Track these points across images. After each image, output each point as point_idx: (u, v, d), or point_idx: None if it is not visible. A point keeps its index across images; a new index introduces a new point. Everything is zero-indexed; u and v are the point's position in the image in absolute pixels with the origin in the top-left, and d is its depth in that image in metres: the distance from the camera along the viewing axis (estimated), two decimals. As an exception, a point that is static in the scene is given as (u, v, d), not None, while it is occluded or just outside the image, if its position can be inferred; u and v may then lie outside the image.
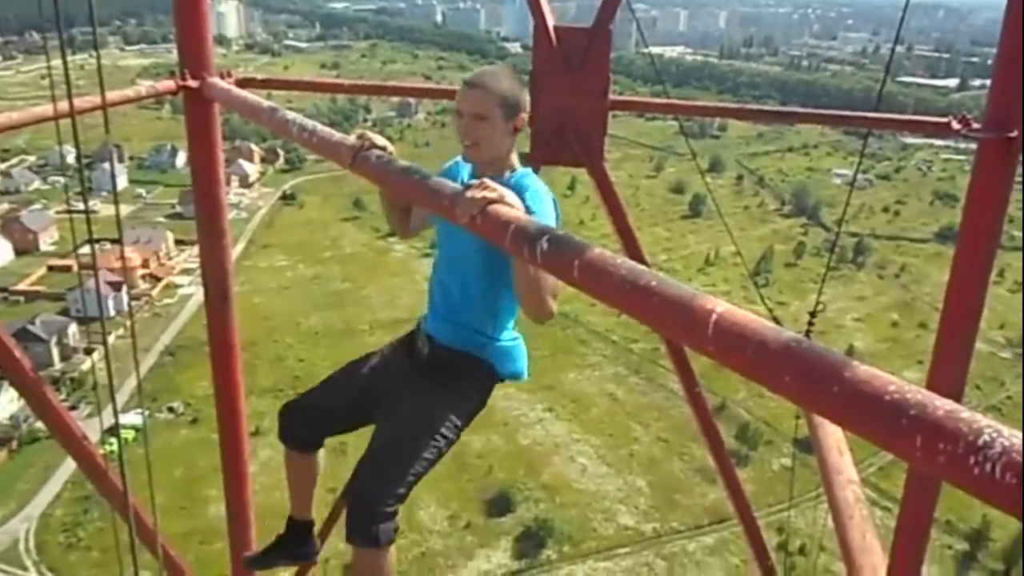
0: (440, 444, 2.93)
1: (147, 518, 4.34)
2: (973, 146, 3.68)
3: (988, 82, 3.78)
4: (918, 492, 3.89)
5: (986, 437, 0.92)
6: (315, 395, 3.40)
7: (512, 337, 3.08)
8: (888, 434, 1.00)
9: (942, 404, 0.98)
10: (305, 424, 3.43)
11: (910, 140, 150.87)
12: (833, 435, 5.73)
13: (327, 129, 2.68)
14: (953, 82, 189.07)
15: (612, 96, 4.19)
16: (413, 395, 3.02)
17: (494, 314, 2.98)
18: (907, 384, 1.04)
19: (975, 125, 3.69)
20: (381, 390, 3.13)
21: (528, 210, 2.46)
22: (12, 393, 55.56)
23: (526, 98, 2.82)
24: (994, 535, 51.43)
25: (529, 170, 2.85)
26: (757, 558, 5.38)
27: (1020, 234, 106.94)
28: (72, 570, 46.03)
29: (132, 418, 50.89)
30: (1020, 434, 0.93)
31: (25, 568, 46.29)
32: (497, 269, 2.78)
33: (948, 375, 3.75)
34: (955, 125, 3.78)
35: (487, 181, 2.00)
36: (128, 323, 65.57)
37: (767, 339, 1.17)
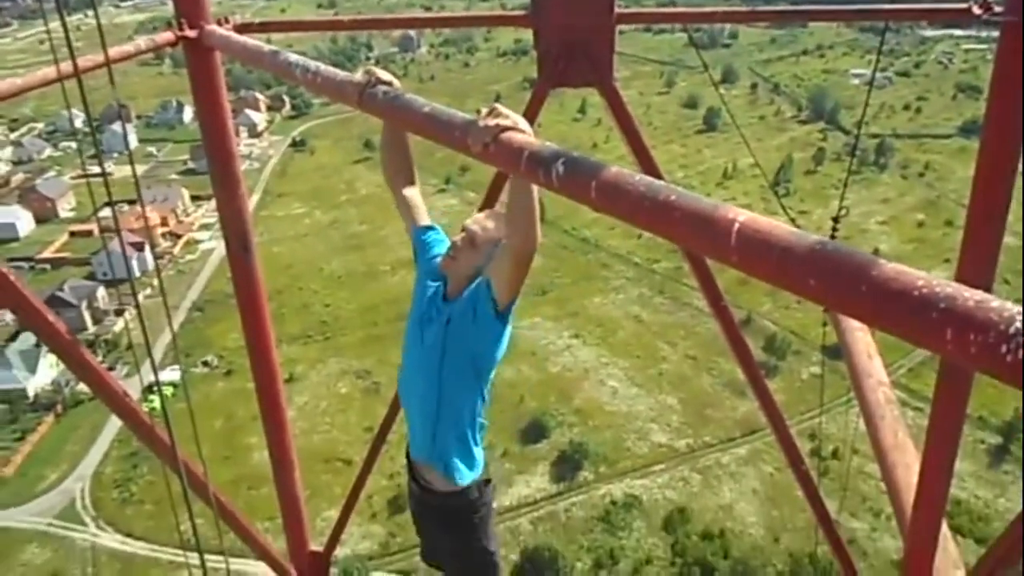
0: (489, 564, 3.40)
1: (194, 467, 4.47)
2: (995, 33, 3.55)
3: (1009, -37, 3.62)
4: (949, 388, 3.90)
5: (1018, 324, 0.91)
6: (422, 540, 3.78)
7: (477, 436, 3.17)
8: (919, 329, 1.00)
9: (971, 295, 0.97)
10: (430, 561, 3.79)
11: (929, 33, 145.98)
12: (862, 339, 5.73)
13: (331, 69, 2.64)
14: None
15: (617, 10, 4.08)
16: (446, 552, 3.45)
17: (455, 413, 3.06)
18: (935, 278, 1.03)
19: (997, 9, 3.55)
20: (430, 546, 3.59)
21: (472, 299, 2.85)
22: (51, 359, 57.02)
23: None
24: (1027, 426, 51.67)
25: None
26: (791, 465, 5.46)
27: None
28: (128, 523, 47.94)
29: (169, 375, 52.14)
30: (1053, 319, 0.92)
31: (84, 524, 48.26)
32: (454, 375, 2.97)
33: (976, 270, 3.71)
34: (975, 10, 3.64)
35: (499, 107, 1.97)
36: (155, 282, 66.45)
37: (791, 244, 1.16)
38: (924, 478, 4.15)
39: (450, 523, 3.27)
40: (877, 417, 5.00)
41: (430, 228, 3.30)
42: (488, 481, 3.25)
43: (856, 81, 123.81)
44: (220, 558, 5.52)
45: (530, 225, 2.48)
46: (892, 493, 4.65)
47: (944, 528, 4.35)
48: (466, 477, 3.11)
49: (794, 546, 43.43)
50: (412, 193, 3.33)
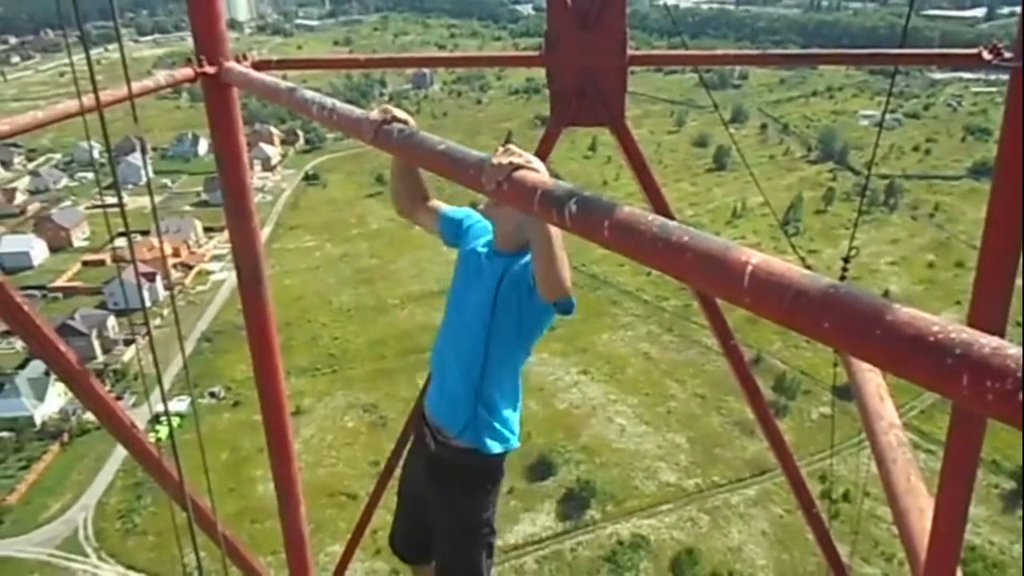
0: (484, 542, 3.23)
1: (201, 502, 4.45)
2: (1005, 77, 3.58)
3: (1018, 8, 3.66)
4: (963, 432, 3.86)
5: (1034, 371, 0.91)
6: (395, 523, 3.70)
7: (515, 406, 3.10)
8: (934, 375, 0.99)
9: (988, 341, 0.97)
10: (402, 548, 3.73)
11: (938, 76, 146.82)
12: (873, 380, 5.68)
13: (347, 106, 2.68)
14: (981, 11, 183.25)
15: (630, 52, 4.13)
16: (443, 517, 3.26)
17: (504, 383, 3.02)
18: (950, 323, 1.02)
19: (1007, 54, 3.58)
20: (422, 516, 3.39)
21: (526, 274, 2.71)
22: (59, 387, 57.15)
23: None
24: (1042, 471, 50.85)
25: None
26: (802, 507, 5.39)
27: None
28: (131, 555, 47.55)
29: (176, 405, 52.11)
30: (1070, 367, 0.91)
31: (86, 555, 47.89)
32: (513, 332, 2.89)
33: (989, 314, 3.69)
34: (985, 55, 3.67)
35: (512, 147, 1.99)
36: (165, 312, 66.71)
37: (804, 287, 1.16)
38: (937, 523, 4.08)
39: (463, 484, 3.13)
40: (889, 460, 4.94)
41: (455, 209, 3.25)
42: (507, 452, 3.14)
43: (865, 122, 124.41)
44: (221, 593, 5.47)
45: (560, 275, 2.50)
46: (905, 538, 4.58)
47: (959, 574, 4.27)
48: (502, 443, 3.03)
49: (804, 591, 42.66)
50: (429, 204, 3.29)
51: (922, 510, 4.51)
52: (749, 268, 1.23)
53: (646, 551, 47.03)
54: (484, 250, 3.02)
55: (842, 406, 41.64)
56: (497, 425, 3.02)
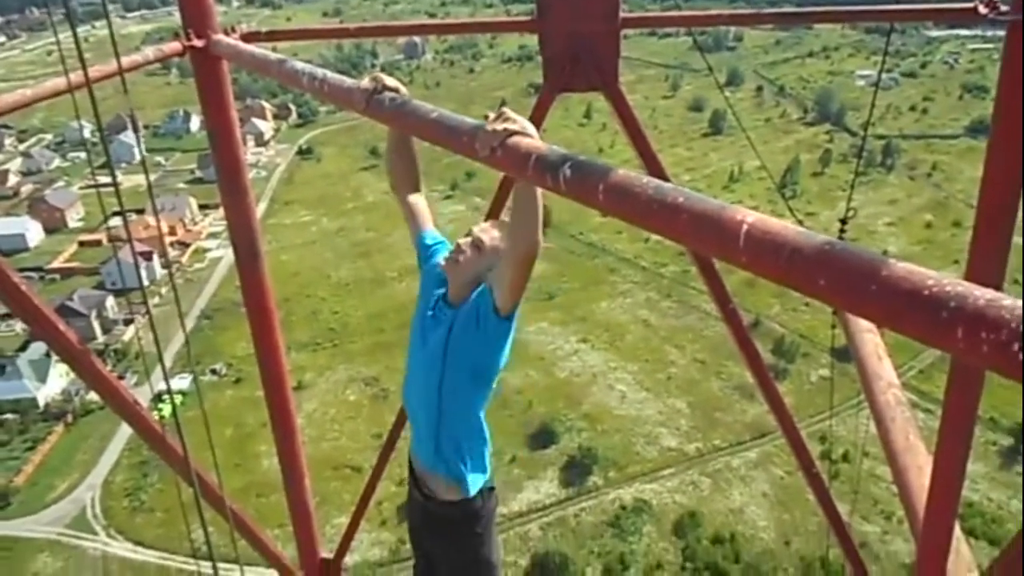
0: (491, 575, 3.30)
1: (207, 477, 4.48)
2: (1001, 33, 3.54)
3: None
4: (961, 388, 3.88)
5: (1029, 322, 0.91)
6: (414, 565, 3.75)
7: (482, 443, 3.13)
8: (930, 328, 1.00)
9: (982, 293, 0.97)
10: None
11: (934, 33, 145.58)
12: (871, 341, 5.70)
13: (338, 76, 2.65)
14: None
15: (622, 14, 4.08)
16: (447, 565, 3.36)
17: (465, 425, 3.04)
18: (945, 277, 1.02)
19: (1003, 8, 3.54)
20: (426, 564, 3.52)
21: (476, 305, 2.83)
22: (61, 368, 57.33)
23: None
24: (1039, 427, 51.31)
25: None
26: (802, 468, 5.44)
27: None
28: (139, 531, 48.07)
29: (178, 383, 52.33)
30: (1064, 317, 0.92)
31: (95, 533, 48.40)
32: (453, 382, 2.94)
33: (986, 270, 3.69)
34: (981, 9, 3.63)
35: (506, 111, 1.97)
36: (163, 291, 66.71)
37: (800, 245, 1.16)
38: (936, 480, 4.12)
39: (452, 534, 3.22)
40: (888, 419, 4.98)
41: (434, 236, 3.30)
42: (492, 489, 3.21)
43: (862, 82, 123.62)
44: (231, 566, 5.54)
45: (533, 229, 2.48)
46: (904, 496, 4.63)
47: (957, 530, 4.32)
48: (470, 485, 3.07)
49: (805, 550, 43.20)
50: (417, 199, 3.33)
51: (921, 468, 4.56)
52: (744, 227, 1.23)
53: (649, 515, 47.57)
54: (436, 299, 3.07)
55: (841, 368, 41.90)
56: (462, 466, 3.06)
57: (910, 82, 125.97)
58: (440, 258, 3.06)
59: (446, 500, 3.12)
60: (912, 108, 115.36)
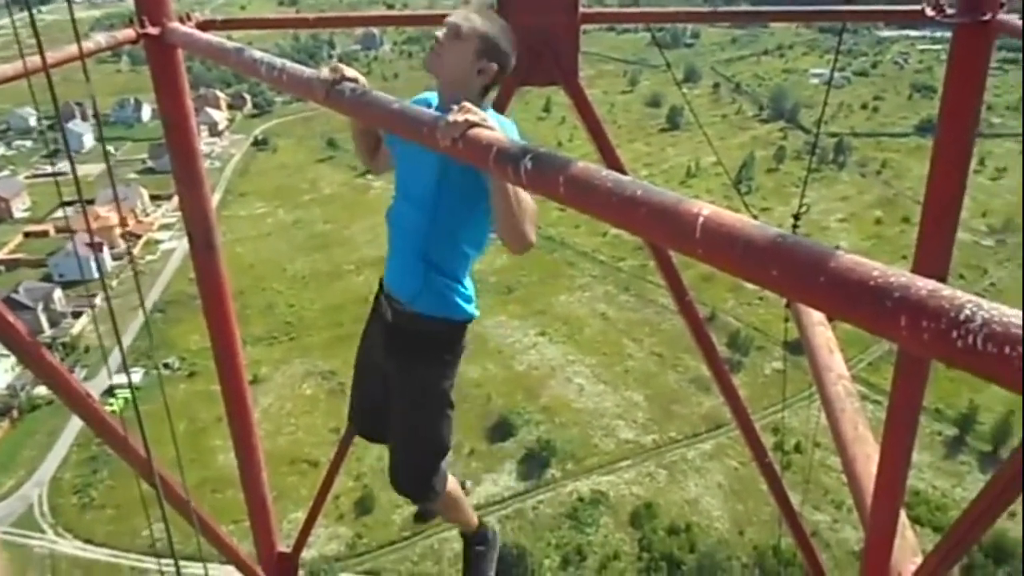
0: (444, 414, 3.11)
1: (166, 473, 4.41)
2: (949, 35, 3.65)
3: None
4: (907, 379, 4.00)
5: (967, 312, 0.96)
6: (352, 399, 3.56)
7: (467, 278, 3.01)
8: (874, 317, 1.04)
9: (924, 284, 1.02)
10: (363, 425, 3.58)
11: (885, 33, 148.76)
12: (822, 334, 5.84)
13: (297, 66, 2.62)
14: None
15: (582, 9, 4.11)
16: (401, 388, 3.11)
17: (454, 253, 2.91)
18: (890, 269, 1.07)
19: (949, 11, 3.65)
20: (380, 393, 3.23)
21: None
22: (5, 363, 55.63)
23: (506, 52, 2.77)
24: (981, 419, 53.02)
25: (499, 115, 2.70)
26: (756, 459, 5.55)
27: (999, 121, 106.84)
28: (89, 529, 47.01)
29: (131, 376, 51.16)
30: (1000, 307, 0.97)
31: (43, 531, 47.21)
32: (459, 205, 2.77)
33: (931, 264, 3.81)
34: (928, 11, 3.74)
35: (468, 105, 1.99)
36: (114, 283, 65.19)
37: (753, 237, 1.20)
38: (883, 468, 4.25)
39: (421, 352, 3.01)
40: (837, 410, 5.11)
41: None
42: (468, 321, 3.03)
43: (815, 81, 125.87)
44: (187, 562, 5.46)
45: (521, 230, 2.47)
46: (852, 484, 4.76)
47: (903, 517, 4.46)
48: (457, 310, 2.95)
49: (759, 539, 44.08)
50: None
51: (869, 456, 4.69)
52: (700, 220, 1.27)
53: (606, 506, 48.05)
54: (430, 104, 2.88)
55: (794, 360, 42.75)
56: (452, 293, 2.92)
57: (862, 81, 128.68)
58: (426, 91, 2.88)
59: (424, 313, 2.94)
60: (863, 106, 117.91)
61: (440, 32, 2.72)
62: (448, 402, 3.11)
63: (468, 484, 48.02)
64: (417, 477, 3.16)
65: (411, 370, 3.05)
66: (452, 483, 3.39)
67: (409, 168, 2.90)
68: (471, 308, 2.99)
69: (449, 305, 2.94)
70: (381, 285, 3.13)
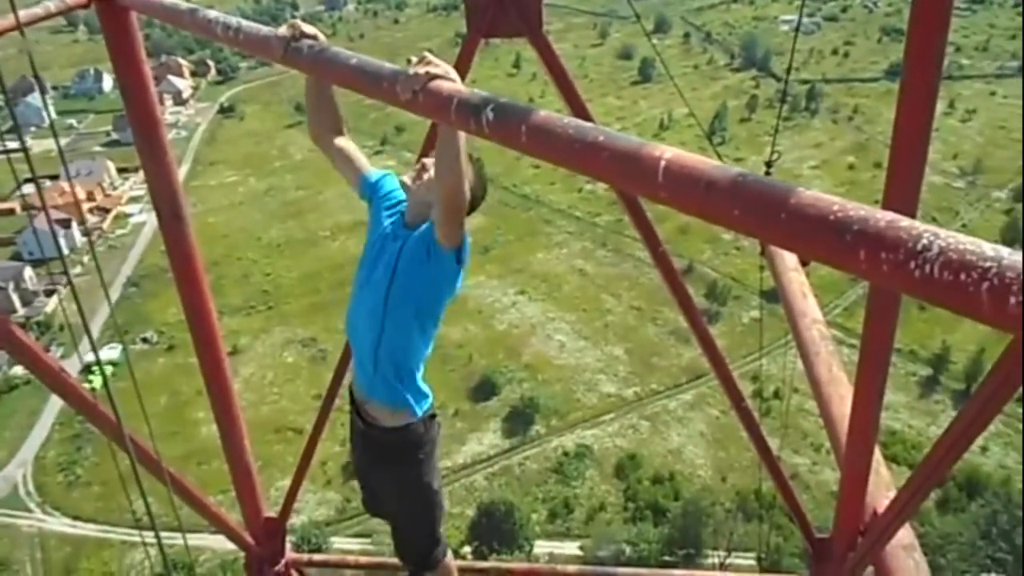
0: (432, 501, 3.40)
1: (143, 444, 4.40)
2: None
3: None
4: (877, 318, 4.06)
5: (924, 241, 0.97)
6: (361, 489, 3.81)
7: (420, 374, 3.18)
8: (834, 251, 1.05)
9: (883, 216, 1.02)
10: (371, 505, 3.81)
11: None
12: (796, 280, 5.89)
13: (253, 24, 2.56)
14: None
15: (546, -41, 4.04)
16: (388, 486, 3.44)
17: (401, 345, 3.06)
18: (850, 203, 1.08)
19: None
20: (373, 483, 3.57)
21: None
22: (-20, 344, 54.83)
23: (476, 195, 2.90)
24: (954, 358, 54.15)
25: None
26: (735, 407, 5.63)
27: (968, 63, 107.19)
28: (76, 506, 47.01)
29: (107, 353, 50.81)
30: (957, 235, 0.97)
31: (29, 511, 47.15)
32: (399, 302, 2.96)
33: (900, 204, 3.84)
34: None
35: (428, 55, 1.96)
36: (85, 259, 64.28)
37: (715, 178, 1.20)
38: (856, 406, 4.33)
39: (394, 459, 3.25)
40: (812, 353, 5.18)
41: (378, 172, 3.25)
42: (434, 416, 3.24)
43: (786, 28, 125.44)
44: (173, 534, 5.49)
45: (455, 175, 2.50)
46: (828, 424, 4.84)
47: (877, 454, 4.55)
48: (411, 410, 3.11)
49: (741, 484, 45.05)
50: (345, 143, 3.22)
51: (843, 397, 4.78)
52: (662, 163, 1.26)
53: (591, 460, 48.77)
54: (392, 220, 3.06)
55: (770, 309, 43.22)
56: (406, 393, 3.10)
57: (831, 26, 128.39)
58: (404, 176, 3.07)
59: (387, 426, 3.15)
60: (834, 52, 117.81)
61: (414, 171, 3.02)
62: (433, 490, 3.37)
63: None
64: (418, 554, 3.61)
65: (390, 474, 3.33)
66: (449, 557, 3.74)
67: (368, 268, 3.07)
68: (426, 404, 3.18)
69: (404, 409, 3.12)
70: (352, 394, 3.31)
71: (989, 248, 0.93)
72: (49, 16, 3.54)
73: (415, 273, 2.90)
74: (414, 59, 1.95)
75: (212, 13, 2.72)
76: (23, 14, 3.25)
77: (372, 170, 3.23)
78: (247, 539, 5.81)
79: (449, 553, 3.71)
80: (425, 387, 3.17)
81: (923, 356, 55.00)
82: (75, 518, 46.39)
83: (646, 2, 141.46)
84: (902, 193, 4.02)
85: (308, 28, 2.34)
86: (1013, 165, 75.97)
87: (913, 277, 0.96)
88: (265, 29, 2.47)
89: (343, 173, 3.26)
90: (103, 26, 3.96)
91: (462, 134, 2.38)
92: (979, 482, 43.55)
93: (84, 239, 72.95)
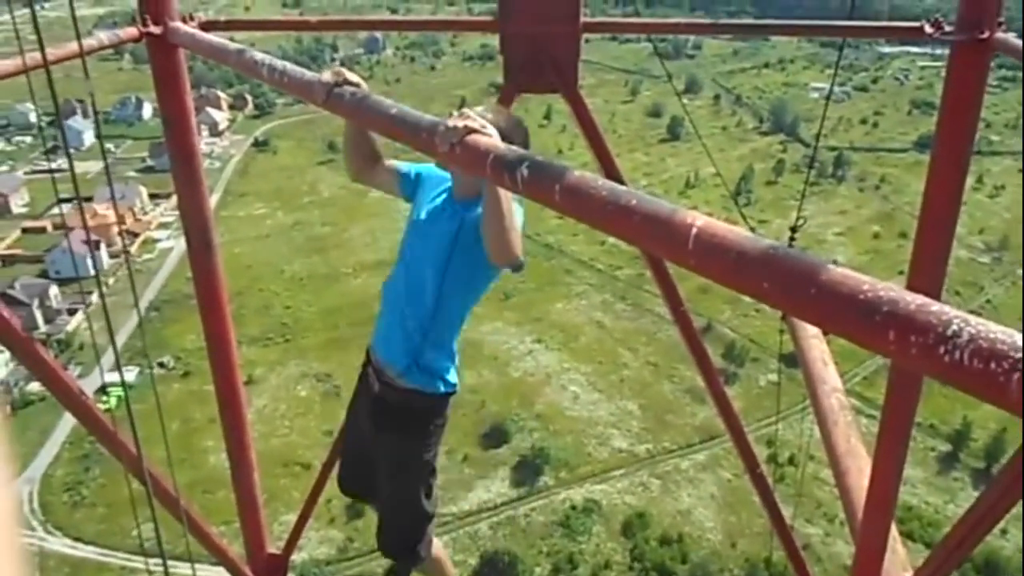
0: (427, 482, 3.29)
1: (158, 473, 4.40)
2: (948, 51, 3.67)
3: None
4: (900, 392, 4.02)
5: (955, 327, 0.97)
6: (341, 463, 3.80)
7: (453, 348, 3.16)
8: (863, 330, 1.05)
9: (913, 299, 1.03)
10: (348, 483, 3.74)
11: (886, 49, 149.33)
12: (817, 347, 5.85)
13: (298, 68, 2.64)
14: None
15: (584, 19, 4.13)
16: (386, 457, 3.30)
17: (452, 329, 3.09)
18: (880, 283, 1.08)
19: (947, 28, 3.68)
20: (366, 456, 3.41)
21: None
22: (1, 359, 55.48)
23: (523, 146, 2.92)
24: (975, 435, 53.07)
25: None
26: (748, 471, 5.55)
27: (998, 140, 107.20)
28: (79, 527, 46.82)
29: (125, 375, 51.04)
30: (987, 323, 0.98)
31: (32, 529, 47.01)
32: (466, 282, 2.98)
33: (926, 280, 3.83)
34: (927, 29, 3.76)
35: (467, 111, 2.00)
36: (110, 281, 65.09)
37: (745, 248, 1.21)
38: (874, 481, 4.25)
39: (407, 423, 3.17)
40: (831, 423, 5.11)
41: (411, 165, 3.24)
42: (453, 394, 3.20)
43: (815, 95, 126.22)
44: (175, 562, 5.45)
45: (510, 240, 2.55)
46: (844, 497, 4.76)
47: (893, 530, 4.46)
48: (445, 381, 3.11)
49: (751, 551, 44.02)
50: (383, 164, 3.23)
51: (861, 470, 4.70)
52: (694, 230, 1.28)
53: (598, 515, 47.96)
54: (443, 197, 3.04)
55: (789, 373, 42.75)
56: (441, 367, 3.09)
57: (862, 96, 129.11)
58: (437, 175, 3.05)
59: (408, 387, 3.10)
60: (863, 121, 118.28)
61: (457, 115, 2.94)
62: (431, 471, 3.28)
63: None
64: (402, 541, 3.41)
65: (395, 441, 3.22)
66: (437, 547, 3.60)
67: (419, 240, 3.03)
68: (455, 384, 3.16)
69: (437, 381, 3.10)
70: (368, 354, 3.27)
71: (1020, 337, 0.93)
72: (103, 48, 3.67)
73: (472, 253, 2.84)
74: (455, 113, 2.00)
75: (259, 55, 2.81)
76: (74, 45, 3.36)
77: (405, 166, 3.23)
78: (248, 574, 5.76)
79: (439, 546, 3.60)
80: (456, 363, 3.17)
81: (943, 431, 53.94)
82: (76, 539, 46.17)
83: (679, 63, 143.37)
84: (929, 266, 4.02)
85: (351, 76, 2.41)
86: (1041, 244, 75.30)
87: (942, 362, 0.96)
88: (309, 74, 2.54)
89: (387, 190, 3.28)
90: (152, 60, 4.09)
91: (504, 196, 2.43)
92: (998, 565, 42.25)
93: (112, 261, 73.99)
